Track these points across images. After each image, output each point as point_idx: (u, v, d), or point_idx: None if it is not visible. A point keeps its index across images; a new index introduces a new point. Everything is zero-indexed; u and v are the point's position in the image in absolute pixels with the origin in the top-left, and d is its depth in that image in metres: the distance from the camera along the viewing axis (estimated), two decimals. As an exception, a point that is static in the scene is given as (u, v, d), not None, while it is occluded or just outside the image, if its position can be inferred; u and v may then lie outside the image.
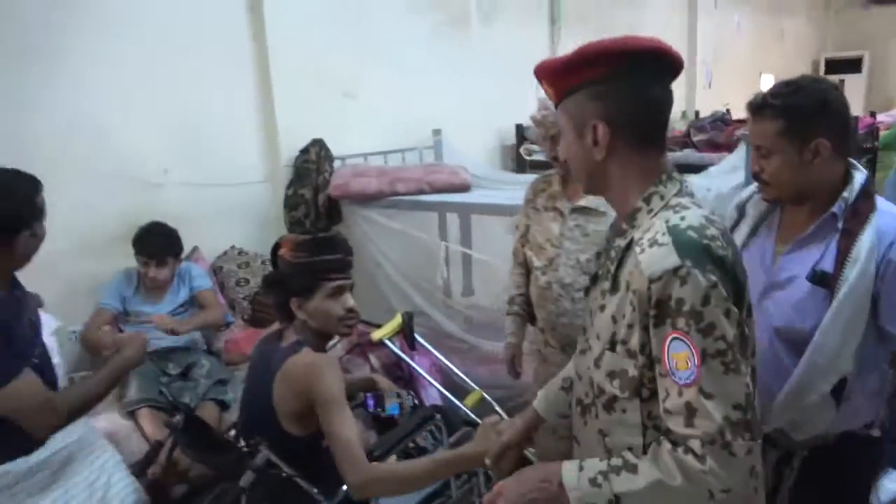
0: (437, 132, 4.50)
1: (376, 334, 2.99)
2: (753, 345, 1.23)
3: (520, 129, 5.16)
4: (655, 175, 1.22)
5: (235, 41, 3.70)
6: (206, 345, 3.21)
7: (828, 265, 1.55)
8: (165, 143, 3.45)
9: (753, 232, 1.75)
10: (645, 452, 1.19)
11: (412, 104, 4.43)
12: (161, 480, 2.37)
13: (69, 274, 3.04)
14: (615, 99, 1.19)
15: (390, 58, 4.33)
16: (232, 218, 3.77)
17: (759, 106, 1.61)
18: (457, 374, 3.07)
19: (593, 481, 1.17)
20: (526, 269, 2.40)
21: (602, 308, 1.26)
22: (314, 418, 1.80)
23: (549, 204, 2.29)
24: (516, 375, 2.53)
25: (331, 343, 2.15)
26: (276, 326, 2.07)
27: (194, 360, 3.03)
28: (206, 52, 3.54)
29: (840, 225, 1.57)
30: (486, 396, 2.91)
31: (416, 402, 2.89)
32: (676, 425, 1.11)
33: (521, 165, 5.10)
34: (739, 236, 1.76)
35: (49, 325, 2.66)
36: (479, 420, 2.08)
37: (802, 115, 1.55)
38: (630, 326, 1.18)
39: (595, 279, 1.34)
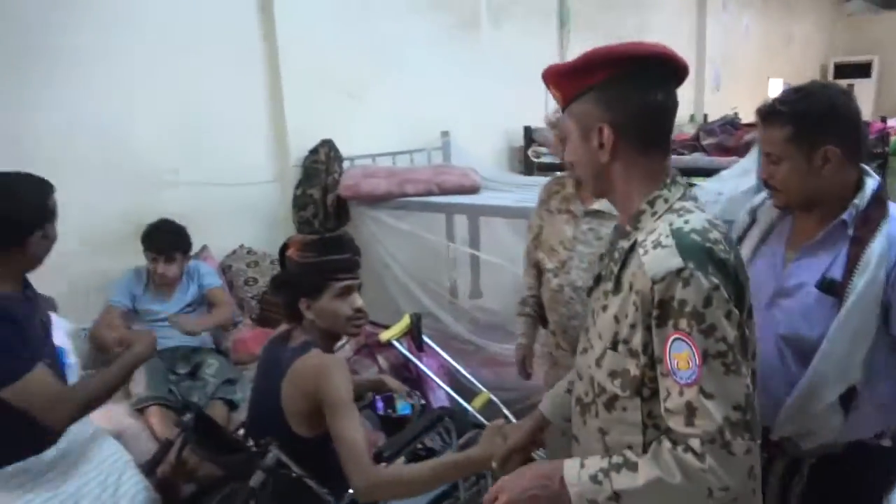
0: (445, 134, 4.51)
1: (384, 335, 3.00)
2: (754, 347, 1.25)
3: (528, 131, 5.17)
4: (660, 179, 1.24)
5: (246, 42, 3.71)
6: (215, 344, 3.21)
7: (837, 273, 1.54)
8: (175, 142, 3.45)
9: (764, 238, 1.74)
10: (645, 451, 1.20)
11: (421, 105, 4.43)
12: (170, 479, 2.37)
13: (79, 272, 3.05)
14: (620, 103, 1.21)
15: (400, 59, 4.34)
16: (241, 217, 3.78)
17: (767, 112, 1.60)
18: (464, 376, 3.07)
19: (594, 478, 1.19)
20: (538, 270, 2.39)
21: (604, 308, 1.27)
22: (322, 419, 1.80)
23: (563, 206, 2.28)
24: (527, 377, 2.53)
25: (339, 344, 2.16)
26: (284, 327, 2.07)
27: (203, 359, 3.03)
28: (217, 53, 3.55)
29: (850, 232, 1.55)
30: (494, 399, 2.91)
31: (424, 403, 2.90)
32: (677, 424, 1.13)
33: (528, 167, 5.11)
34: (750, 242, 1.75)
35: (63, 327, 2.68)
36: (486, 422, 2.08)
37: (811, 122, 1.54)
38: (632, 326, 1.19)
39: (598, 280, 1.36)
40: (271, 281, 2.11)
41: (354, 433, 1.76)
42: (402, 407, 2.33)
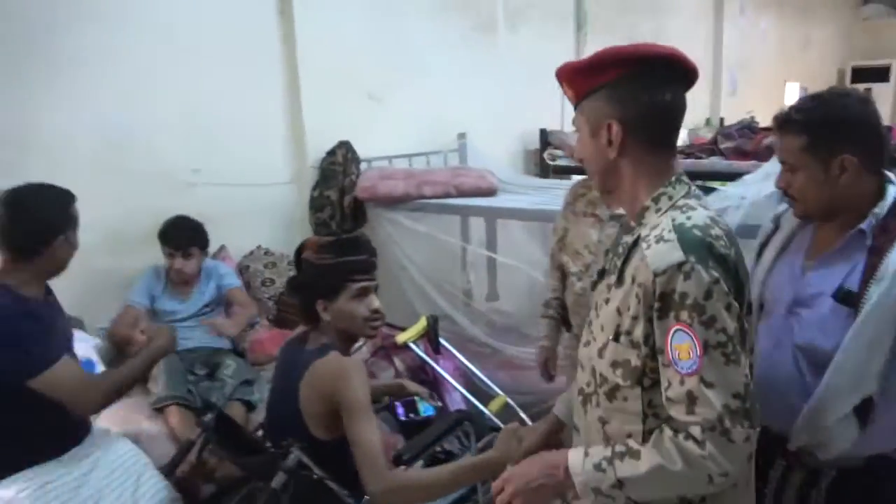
0: (461, 136, 4.50)
1: (401, 337, 2.99)
2: (752, 342, 1.29)
3: (544, 133, 5.16)
4: (665, 176, 1.28)
5: (265, 43, 3.73)
6: (232, 345, 3.22)
7: (854, 283, 1.52)
8: (194, 143, 3.47)
9: (785, 246, 1.72)
10: (645, 440, 1.23)
11: (437, 108, 4.44)
12: (189, 480, 2.38)
13: (98, 272, 3.06)
14: (629, 101, 1.25)
15: (417, 61, 4.35)
16: (258, 218, 3.79)
17: (783, 121, 1.59)
18: (480, 379, 3.07)
19: (598, 467, 1.23)
20: (562, 273, 2.38)
21: (607, 301, 1.31)
22: (340, 422, 1.80)
23: (588, 210, 2.27)
24: (550, 379, 2.52)
25: (356, 346, 2.16)
26: (301, 329, 2.08)
27: (221, 360, 3.04)
28: (236, 54, 3.56)
29: (869, 242, 1.53)
30: (511, 402, 2.90)
31: (440, 405, 2.89)
32: (678, 413, 1.17)
33: (544, 170, 5.10)
34: (772, 249, 1.73)
35: (90, 341, 2.79)
36: (503, 426, 2.08)
37: (826, 131, 1.52)
38: (634, 318, 1.22)
39: (601, 274, 1.39)
40: (287, 283, 2.11)
41: (371, 436, 1.76)
42: (426, 408, 2.32)
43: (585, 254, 2.24)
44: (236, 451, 1.99)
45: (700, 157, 4.11)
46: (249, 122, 3.67)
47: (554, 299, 2.46)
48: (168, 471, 2.24)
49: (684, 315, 1.14)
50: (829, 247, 1.60)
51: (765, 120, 3.55)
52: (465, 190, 3.77)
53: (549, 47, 5.33)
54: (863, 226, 1.53)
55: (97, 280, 3.07)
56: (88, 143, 3.10)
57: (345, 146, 3.88)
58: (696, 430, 1.14)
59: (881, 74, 9.93)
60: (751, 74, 8.16)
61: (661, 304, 1.17)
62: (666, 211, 1.25)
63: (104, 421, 2.58)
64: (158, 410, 2.70)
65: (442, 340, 2.98)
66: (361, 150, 3.95)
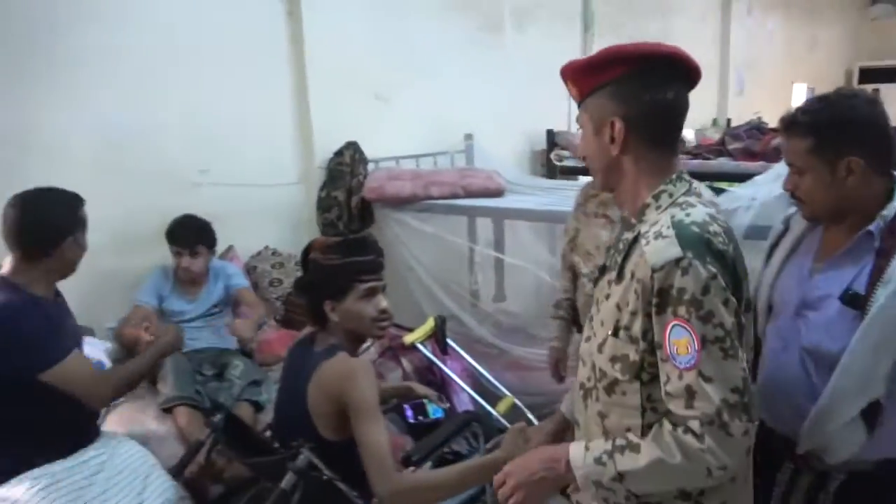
0: (468, 136, 4.50)
1: (409, 338, 3.00)
2: (751, 338, 1.31)
3: (551, 134, 5.15)
4: (666, 174, 1.30)
5: (273, 44, 3.73)
6: (240, 345, 3.22)
7: (861, 285, 1.51)
8: (202, 143, 3.47)
9: (794, 248, 1.71)
10: (644, 433, 1.25)
11: (444, 108, 4.44)
12: (198, 480, 2.38)
13: (106, 271, 3.07)
14: (632, 99, 1.26)
15: (424, 62, 4.35)
16: (266, 218, 3.80)
17: (789, 123, 1.58)
18: (488, 380, 3.06)
19: (598, 460, 1.24)
20: (573, 273, 2.38)
21: (607, 297, 1.32)
22: (349, 423, 1.80)
23: (600, 210, 2.27)
24: (560, 380, 2.52)
25: (363, 346, 2.16)
26: (309, 329, 2.08)
27: (228, 360, 3.03)
28: (245, 55, 3.57)
29: (877, 244, 1.52)
30: (518, 403, 2.90)
31: (448, 406, 2.89)
32: (677, 407, 1.18)
33: (551, 171, 5.09)
34: (781, 251, 1.72)
35: (101, 346, 2.81)
36: (510, 427, 2.08)
37: (832, 133, 1.51)
38: (633, 314, 1.24)
39: (602, 270, 1.41)
40: (295, 284, 2.11)
41: (379, 438, 1.76)
42: (434, 411, 2.32)
43: (596, 255, 2.24)
44: (245, 452, 1.99)
45: (708, 158, 4.08)
46: (257, 122, 3.68)
47: (565, 300, 2.46)
48: (177, 471, 2.25)
49: (682, 310, 1.16)
50: (837, 249, 1.58)
51: (772, 121, 3.53)
52: (472, 191, 3.77)
53: (556, 47, 5.32)
54: (871, 227, 1.52)
55: (105, 280, 3.08)
56: (94, 144, 3.10)
57: (352, 147, 3.89)
58: (694, 424, 1.15)
59: (889, 75, 9.88)
60: (758, 75, 8.14)
61: (660, 299, 1.18)
62: (666, 208, 1.26)
63: (112, 421, 2.61)
64: (167, 411, 2.70)
65: (449, 341, 2.98)
66: (369, 151, 3.95)
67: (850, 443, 1.53)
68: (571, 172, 4.80)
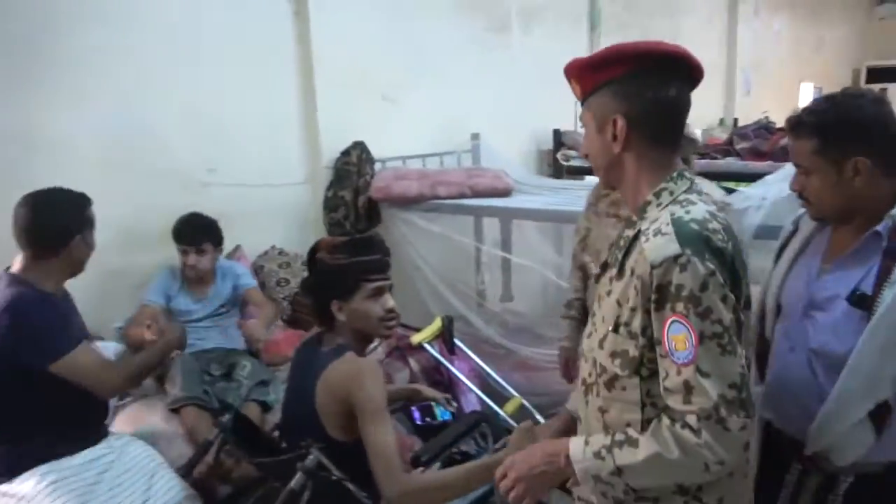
0: (475, 136, 4.50)
1: (416, 338, 2.98)
2: (750, 336, 1.35)
3: (557, 134, 5.16)
4: (667, 171, 1.31)
5: (280, 44, 3.73)
6: (247, 346, 3.22)
7: (868, 286, 1.50)
8: (209, 142, 3.48)
9: (803, 249, 1.70)
10: (643, 428, 1.26)
11: (451, 108, 4.44)
12: (206, 480, 2.38)
13: (114, 271, 3.08)
14: (634, 97, 1.27)
15: (431, 63, 4.35)
16: (273, 218, 3.79)
17: (794, 124, 1.57)
18: (495, 380, 3.05)
19: (597, 454, 1.26)
20: (584, 273, 2.37)
21: (608, 293, 1.33)
22: (357, 423, 1.80)
23: (611, 210, 2.26)
24: (570, 380, 2.51)
25: (370, 346, 2.15)
26: (316, 330, 2.07)
27: (236, 360, 3.03)
28: (252, 55, 3.57)
29: (884, 244, 1.51)
30: (526, 403, 2.89)
31: (456, 406, 2.88)
32: (675, 402, 1.19)
33: (557, 171, 5.09)
34: (790, 252, 1.71)
35: (110, 348, 2.82)
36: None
37: (837, 133, 1.50)
38: (633, 310, 1.25)
39: (604, 267, 1.41)
40: (301, 284, 2.11)
41: (385, 438, 1.75)
42: (442, 413, 2.31)
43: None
44: (253, 452, 1.99)
45: (715, 158, 4.09)
46: (264, 122, 3.68)
47: (576, 300, 2.45)
48: (186, 471, 2.25)
49: (680, 306, 1.17)
50: (845, 249, 1.58)
51: (779, 121, 3.53)
52: (480, 190, 3.77)
53: (562, 48, 5.31)
54: (878, 228, 1.51)
55: (112, 280, 3.08)
56: (99, 143, 3.10)
57: (359, 146, 3.88)
58: (692, 419, 1.16)
59: (897, 74, 9.86)
60: (765, 75, 8.13)
61: (658, 295, 1.19)
62: (667, 205, 1.27)
63: (121, 422, 2.62)
64: (174, 411, 2.70)
65: (457, 341, 2.97)
66: (375, 151, 3.95)
67: (858, 444, 1.52)
68: (578, 172, 4.80)
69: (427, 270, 3.79)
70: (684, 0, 6.85)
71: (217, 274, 3.17)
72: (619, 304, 1.28)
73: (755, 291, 1.80)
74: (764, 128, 4.18)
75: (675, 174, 1.31)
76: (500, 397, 2.95)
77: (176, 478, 2.18)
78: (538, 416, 2.80)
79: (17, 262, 2.10)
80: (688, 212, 1.23)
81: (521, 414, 2.83)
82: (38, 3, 2.89)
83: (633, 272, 1.25)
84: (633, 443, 1.23)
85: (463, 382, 3.01)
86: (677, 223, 1.21)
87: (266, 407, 2.87)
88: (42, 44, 2.91)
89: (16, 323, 1.97)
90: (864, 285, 1.50)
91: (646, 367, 1.25)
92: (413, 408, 2.43)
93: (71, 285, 2.24)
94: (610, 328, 1.30)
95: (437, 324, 2.96)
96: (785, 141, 3.79)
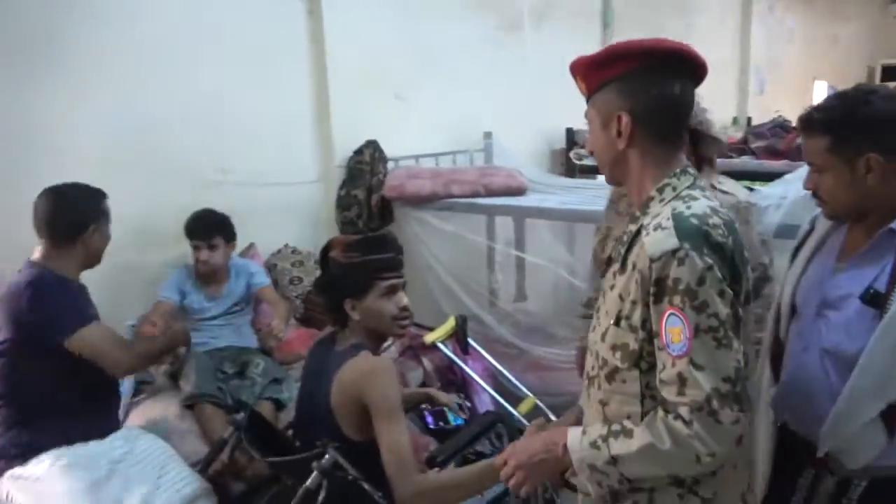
0: (487, 135, 4.49)
1: (429, 337, 2.98)
2: (749, 331, 1.33)
3: (570, 133, 5.13)
4: (671, 167, 1.32)
5: (294, 43, 3.74)
6: (260, 344, 3.23)
7: (882, 284, 1.48)
8: (223, 141, 3.48)
9: (819, 247, 1.68)
10: (643, 420, 1.28)
11: (463, 107, 4.43)
12: (220, 478, 2.38)
13: (128, 269, 3.09)
14: (638, 93, 1.29)
15: (443, 61, 4.34)
16: (286, 216, 3.80)
17: (806, 121, 1.55)
18: (509, 380, 3.04)
19: (594, 444, 1.29)
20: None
21: (612, 287, 1.35)
22: (372, 423, 1.79)
23: (632, 210, 2.24)
24: None
25: (384, 345, 2.15)
26: (329, 329, 2.07)
27: (250, 359, 3.03)
28: (265, 53, 3.58)
29: None
30: (540, 404, 2.88)
31: (469, 406, 2.87)
32: (669, 394, 1.21)
33: (570, 170, 5.07)
34: (806, 251, 1.70)
35: None
36: (531, 426, 2.05)
37: (849, 130, 1.48)
38: (634, 303, 1.27)
39: (609, 262, 1.43)
40: (315, 283, 2.10)
41: (399, 438, 1.75)
42: (455, 419, 2.30)
43: None
44: (267, 451, 1.98)
45: (731, 157, 4.06)
46: (277, 120, 3.69)
47: (595, 299, 2.43)
48: (202, 469, 2.25)
49: (677, 300, 1.18)
50: (860, 248, 1.56)
51: (793, 119, 3.50)
52: (494, 189, 3.75)
53: (575, 46, 5.19)
54: (893, 225, 1.50)
55: (125, 277, 3.09)
56: (113, 142, 3.10)
57: (372, 145, 3.88)
58: (684, 411, 1.18)
59: (912, 72, 9.79)
60: (778, 73, 8.08)
61: (657, 289, 1.21)
62: (669, 201, 1.29)
63: (135, 417, 2.64)
64: (189, 407, 2.71)
65: (471, 341, 2.96)
66: (388, 150, 3.94)
67: (871, 446, 1.50)
68: (591, 171, 4.78)
69: (440, 269, 3.79)
70: (698, -2, 6.82)
71: (231, 272, 3.17)
72: (621, 298, 1.30)
73: (775, 291, 1.79)
74: (780, 126, 4.16)
75: (678, 170, 1.32)
76: (514, 397, 2.95)
77: (189, 470, 2.19)
78: (552, 417, 2.79)
79: (36, 252, 2.21)
80: (689, 207, 1.24)
81: (535, 414, 2.82)
82: (41, 2, 2.89)
83: (634, 266, 1.27)
84: (628, 433, 1.25)
85: (476, 382, 3.00)
86: (677, 218, 1.22)
87: (280, 405, 2.87)
88: (53, 42, 2.92)
89: (36, 297, 2.08)
90: (878, 283, 1.48)
91: (645, 360, 1.27)
92: (426, 413, 2.42)
93: (84, 282, 2.28)
94: (612, 322, 1.32)
95: (450, 323, 2.96)
96: (801, 139, 3.77)
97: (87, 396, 2.19)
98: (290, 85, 3.75)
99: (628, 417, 1.29)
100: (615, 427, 1.28)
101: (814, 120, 1.53)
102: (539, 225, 3.96)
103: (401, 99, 4.17)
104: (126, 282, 3.12)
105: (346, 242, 1.97)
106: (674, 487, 1.30)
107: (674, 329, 1.19)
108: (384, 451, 1.74)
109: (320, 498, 1.73)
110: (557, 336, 3.66)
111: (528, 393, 2.93)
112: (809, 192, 1.63)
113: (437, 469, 1.93)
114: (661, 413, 1.22)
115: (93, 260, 2.28)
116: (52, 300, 2.11)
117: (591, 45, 5.55)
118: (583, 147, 4.94)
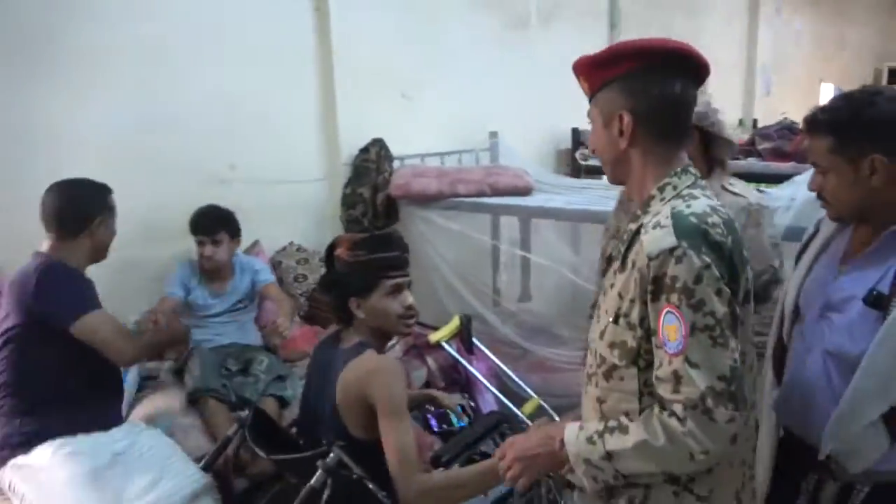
0: (493, 134, 4.49)
1: (434, 336, 2.97)
2: (748, 331, 1.33)
3: (576, 133, 5.12)
4: (672, 167, 1.33)
5: (301, 41, 3.74)
6: (264, 342, 3.23)
7: (886, 286, 1.47)
8: (229, 138, 3.48)
9: (823, 249, 1.67)
10: None
11: (470, 106, 4.43)
12: (223, 474, 2.38)
13: (133, 265, 3.09)
14: (640, 93, 1.29)
15: (450, 60, 4.34)
16: (291, 214, 3.80)
17: (810, 122, 1.54)
18: (513, 381, 3.04)
19: (589, 439, 1.30)
20: None
21: (612, 286, 1.35)
22: (377, 422, 1.79)
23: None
24: None
25: (389, 344, 2.15)
26: (334, 328, 2.06)
27: (253, 356, 3.03)
28: (272, 51, 3.58)
29: None
30: (544, 405, 2.87)
31: (473, 406, 2.87)
32: (665, 391, 1.22)
33: (576, 170, 5.07)
34: (810, 253, 1.69)
35: None
36: (534, 426, 2.05)
37: (852, 131, 1.47)
38: (632, 301, 1.28)
39: (609, 261, 1.43)
40: (320, 281, 2.10)
41: (403, 437, 1.74)
42: (458, 422, 2.30)
43: None
44: (271, 448, 1.98)
45: (737, 158, 4.04)
46: (283, 118, 3.69)
47: None
48: (207, 465, 2.25)
49: (674, 297, 1.19)
50: (864, 250, 1.55)
51: (800, 121, 3.49)
52: (500, 189, 3.74)
53: (582, 46, 5.17)
54: None
55: (129, 273, 3.10)
56: (118, 139, 3.11)
57: (378, 144, 3.88)
58: (678, 408, 1.19)
59: (920, 75, 9.77)
60: (785, 75, 8.06)
61: (655, 286, 1.22)
62: (669, 200, 1.29)
63: (139, 413, 2.64)
64: (193, 403, 2.71)
65: (475, 341, 2.96)
66: (394, 148, 3.94)
67: (872, 449, 1.50)
68: (596, 172, 4.76)
69: (445, 269, 3.78)
70: (705, -2, 6.81)
71: (235, 269, 3.17)
72: (620, 296, 1.30)
73: (781, 294, 1.78)
74: (787, 128, 4.14)
75: (679, 169, 1.32)
76: (518, 398, 2.93)
77: (192, 465, 2.19)
78: (556, 417, 2.77)
79: (43, 244, 2.24)
80: (689, 206, 1.25)
81: (539, 415, 2.80)
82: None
83: (633, 264, 1.27)
84: (623, 429, 1.26)
85: (480, 382, 2.99)
86: (676, 216, 1.23)
87: (283, 402, 2.86)
88: (54, 42, 2.92)
89: (44, 283, 2.11)
90: (881, 285, 1.47)
91: (643, 357, 1.28)
92: (429, 415, 2.41)
93: (90, 277, 2.28)
94: (610, 319, 1.32)
95: (455, 322, 2.95)
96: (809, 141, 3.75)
97: (93, 384, 2.21)
98: (296, 83, 3.75)
99: (626, 414, 1.30)
100: (611, 423, 1.29)
101: (818, 121, 1.52)
102: (544, 225, 3.95)
103: (407, 97, 4.17)
104: (132, 277, 3.12)
105: (351, 241, 1.96)
106: (669, 485, 1.31)
107: (670, 327, 1.20)
108: (388, 450, 1.74)
109: (325, 496, 1.73)
110: (562, 337, 3.65)
111: (532, 394, 2.92)
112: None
113: (441, 468, 1.93)
114: (656, 410, 1.23)
115: (99, 254, 2.31)
116: (59, 286, 2.15)
117: (598, 46, 5.50)
118: (587, 147, 4.94)
